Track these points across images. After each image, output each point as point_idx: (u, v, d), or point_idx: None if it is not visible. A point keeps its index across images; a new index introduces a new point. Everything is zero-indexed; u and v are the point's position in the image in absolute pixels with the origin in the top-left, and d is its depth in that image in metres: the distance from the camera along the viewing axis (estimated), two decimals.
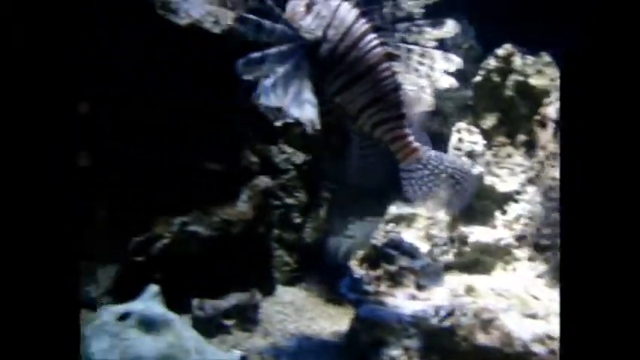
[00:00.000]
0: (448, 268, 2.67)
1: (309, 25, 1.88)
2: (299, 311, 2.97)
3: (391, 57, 1.85)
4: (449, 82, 1.89)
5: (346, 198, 3.79)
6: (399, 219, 3.08)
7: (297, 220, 3.30)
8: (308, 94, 1.83)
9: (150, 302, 2.00)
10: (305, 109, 1.81)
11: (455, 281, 2.52)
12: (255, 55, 1.82)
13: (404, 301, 2.40)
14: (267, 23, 1.85)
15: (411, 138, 1.93)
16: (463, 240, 2.64)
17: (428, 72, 1.88)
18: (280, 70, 1.81)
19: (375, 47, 1.85)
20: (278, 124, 1.95)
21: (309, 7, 1.90)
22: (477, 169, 2.78)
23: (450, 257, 2.66)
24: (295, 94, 1.82)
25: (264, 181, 2.88)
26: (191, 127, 2.66)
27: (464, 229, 2.70)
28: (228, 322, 2.55)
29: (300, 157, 3.27)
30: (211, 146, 2.68)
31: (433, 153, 1.96)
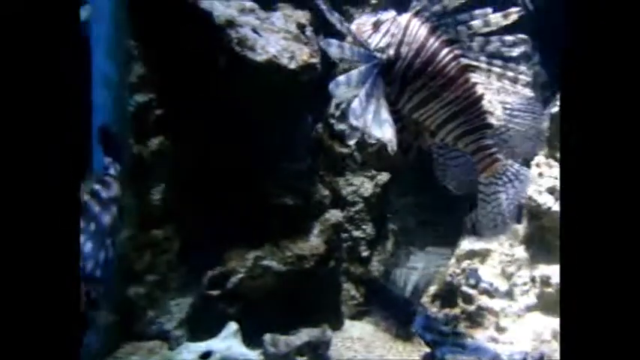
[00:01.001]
0: (530, 309, 2.53)
1: (378, 43, 1.87)
2: (368, 347, 2.89)
3: (470, 69, 1.82)
4: (525, 94, 1.85)
5: (413, 229, 3.72)
6: (471, 254, 2.97)
7: (365, 254, 3.23)
8: (385, 114, 1.82)
9: (230, 341, 1.97)
10: (385, 129, 1.79)
11: (539, 324, 2.38)
12: (342, 77, 1.84)
13: (485, 344, 2.28)
14: (347, 45, 1.85)
15: (494, 149, 1.91)
16: (545, 280, 2.51)
17: (507, 84, 1.85)
18: (362, 90, 1.81)
19: (452, 60, 1.82)
20: (351, 142, 1.98)
21: (376, 26, 1.88)
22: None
23: (531, 298, 2.52)
24: (374, 114, 1.80)
25: (334, 215, 2.84)
26: (263, 161, 2.66)
27: (545, 268, 2.57)
28: None
29: (368, 190, 3.22)
30: (283, 179, 2.67)
31: (514, 165, 1.93)
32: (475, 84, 1.84)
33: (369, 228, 3.25)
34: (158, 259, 2.73)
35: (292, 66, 2.50)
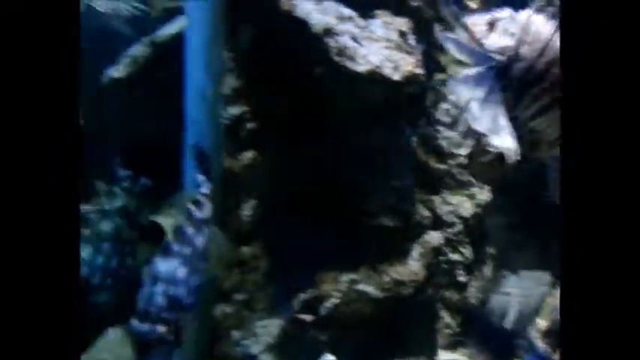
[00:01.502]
0: None
1: (496, 43, 1.70)
2: None
3: None
4: None
5: (506, 250, 3.44)
6: None
7: (462, 279, 2.98)
8: (504, 121, 1.66)
9: None
10: (504, 137, 1.65)
11: None
12: (461, 77, 1.71)
13: None
14: (464, 43, 1.70)
15: None
16: None
17: None
18: (480, 94, 1.67)
19: None
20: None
21: (492, 25, 1.72)
22: None
23: None
24: (493, 120, 1.65)
25: (435, 237, 2.62)
26: (361, 178, 2.48)
27: None
28: None
29: (467, 209, 2.97)
30: (382, 198, 2.48)
31: None
32: None
33: (467, 251, 2.99)
34: (246, 277, 2.61)
35: (396, 77, 2.31)
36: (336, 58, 2.32)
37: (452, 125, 2.72)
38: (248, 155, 2.53)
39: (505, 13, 1.75)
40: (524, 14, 1.70)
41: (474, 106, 1.66)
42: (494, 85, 1.68)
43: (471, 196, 3.01)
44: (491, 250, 3.22)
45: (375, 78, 2.30)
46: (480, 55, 1.70)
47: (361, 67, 2.30)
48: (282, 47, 2.47)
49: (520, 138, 1.74)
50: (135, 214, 2.14)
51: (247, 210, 2.54)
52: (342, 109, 2.44)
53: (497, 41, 1.70)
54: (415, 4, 2.68)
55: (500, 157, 1.70)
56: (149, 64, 2.63)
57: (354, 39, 2.36)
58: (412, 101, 2.48)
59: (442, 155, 3.02)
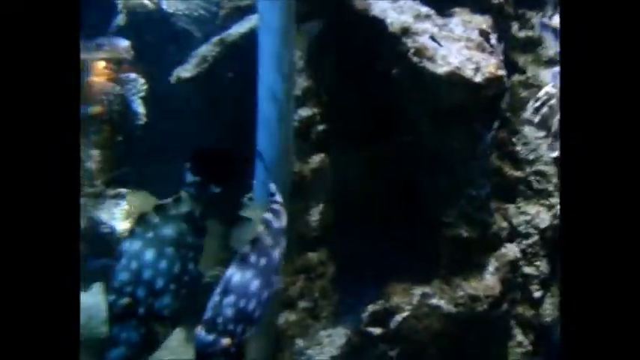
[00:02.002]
0: None
1: None
2: None
3: None
4: None
5: None
6: None
7: (537, 294, 2.79)
8: None
9: None
10: None
11: None
12: (549, 72, 1.67)
13: None
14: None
15: None
16: None
17: None
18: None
19: None
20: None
21: None
22: None
23: None
24: None
25: (512, 250, 2.45)
26: (437, 185, 2.35)
27: None
28: None
29: (545, 220, 2.77)
30: (459, 207, 2.33)
31: None
32: None
33: (543, 265, 2.80)
34: (312, 284, 2.52)
35: (478, 79, 2.16)
36: (415, 59, 2.18)
37: (539, 126, 2.53)
38: (317, 158, 2.43)
39: None
40: None
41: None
42: None
43: (550, 207, 2.81)
44: None
45: (454, 80, 2.16)
46: None
47: (441, 69, 2.16)
48: (356, 47, 2.37)
49: None
50: (200, 220, 2.08)
51: (315, 215, 2.45)
52: (417, 111, 2.31)
53: None
54: (496, 1, 2.52)
55: None
56: (219, 63, 2.58)
57: (433, 38, 2.23)
58: (492, 104, 2.32)
59: (518, 161, 2.83)
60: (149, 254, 1.83)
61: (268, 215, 1.63)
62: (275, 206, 1.69)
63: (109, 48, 2.98)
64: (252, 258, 1.51)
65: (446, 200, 2.35)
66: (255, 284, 1.51)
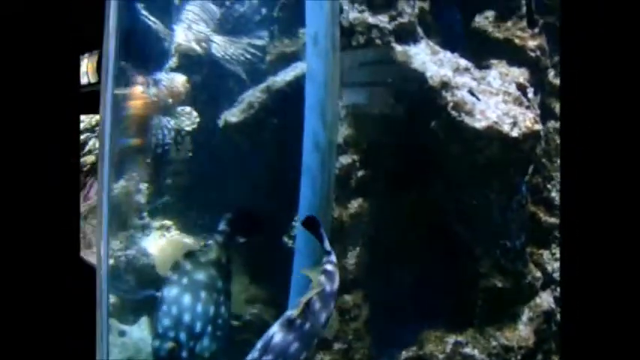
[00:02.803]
0: None
1: None
2: None
3: None
4: None
5: None
6: None
7: None
8: None
9: None
10: None
11: None
12: None
13: None
14: None
15: None
16: None
17: None
18: None
19: None
20: None
21: None
22: None
23: None
24: None
25: (546, 300, 2.44)
26: (474, 236, 2.37)
27: None
28: None
29: None
30: (495, 258, 2.35)
31: None
32: None
33: None
34: (346, 326, 2.55)
35: (514, 134, 2.19)
36: (453, 113, 2.23)
37: None
38: (356, 204, 2.49)
39: None
40: None
41: None
42: None
43: None
44: None
45: (492, 134, 2.19)
46: None
47: (479, 123, 2.20)
48: (397, 97, 2.43)
49: None
50: (227, 265, 2.19)
51: (352, 258, 2.50)
52: (455, 162, 2.35)
53: None
54: (533, 54, 2.55)
55: None
56: (265, 110, 2.67)
57: (472, 92, 2.27)
58: (528, 157, 2.34)
59: (553, 207, 2.83)
60: (187, 299, 1.92)
61: (322, 278, 1.62)
62: (329, 267, 1.68)
63: (167, 82, 3.11)
64: (298, 322, 1.51)
65: (481, 250, 2.37)
66: (295, 346, 1.51)
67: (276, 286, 2.36)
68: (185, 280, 1.97)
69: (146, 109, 3.06)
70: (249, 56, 3.18)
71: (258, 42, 3.23)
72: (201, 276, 2.01)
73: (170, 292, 1.88)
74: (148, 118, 3.07)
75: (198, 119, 3.03)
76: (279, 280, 2.29)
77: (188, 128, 3.04)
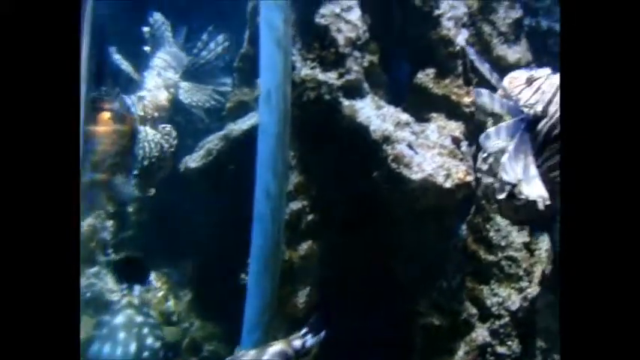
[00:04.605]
0: None
1: (529, 99, 1.78)
2: None
3: None
4: None
5: None
6: None
7: None
8: (534, 170, 1.73)
9: None
10: (534, 185, 1.70)
11: None
12: (492, 129, 1.78)
13: None
14: (497, 97, 1.80)
15: None
16: None
17: None
18: (512, 144, 1.73)
19: None
20: (501, 196, 1.86)
21: (529, 81, 1.81)
22: None
23: None
24: (524, 169, 1.72)
25: (481, 334, 2.58)
26: (413, 278, 2.51)
27: None
28: None
29: (515, 303, 2.91)
30: (432, 298, 2.49)
31: None
32: None
33: (514, 345, 2.91)
34: None
35: (448, 185, 2.35)
36: (393, 165, 2.38)
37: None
38: (306, 246, 2.61)
39: (544, 71, 1.84)
40: (559, 76, 1.77)
41: (505, 157, 1.73)
42: (524, 136, 1.75)
43: (520, 290, 2.95)
44: (542, 343, 3.12)
45: (427, 185, 2.35)
46: (513, 108, 1.77)
47: (415, 175, 2.35)
48: (343, 148, 2.57)
49: (545, 184, 1.79)
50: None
51: (302, 297, 2.61)
52: (396, 208, 2.49)
53: (530, 97, 1.79)
54: (468, 110, 2.72)
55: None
56: (223, 157, 2.79)
57: (410, 146, 2.43)
58: (461, 205, 2.50)
59: (492, 246, 3.00)
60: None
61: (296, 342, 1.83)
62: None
63: (150, 97, 3.12)
64: None
65: (419, 290, 2.50)
66: None
67: (231, 323, 2.46)
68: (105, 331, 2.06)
69: (130, 128, 3.05)
70: (213, 102, 3.30)
71: (222, 89, 3.36)
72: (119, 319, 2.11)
73: (94, 347, 2.00)
74: (131, 137, 3.06)
75: (176, 141, 3.02)
76: (234, 318, 2.39)
77: (168, 145, 3.02)
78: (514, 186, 1.77)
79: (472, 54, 1.76)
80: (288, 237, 2.54)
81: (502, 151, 1.77)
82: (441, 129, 2.61)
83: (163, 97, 3.15)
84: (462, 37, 2.62)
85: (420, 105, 2.74)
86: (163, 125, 3.05)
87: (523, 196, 1.76)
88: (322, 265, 2.63)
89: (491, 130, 1.78)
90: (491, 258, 2.93)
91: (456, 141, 2.53)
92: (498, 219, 3.00)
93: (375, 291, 2.56)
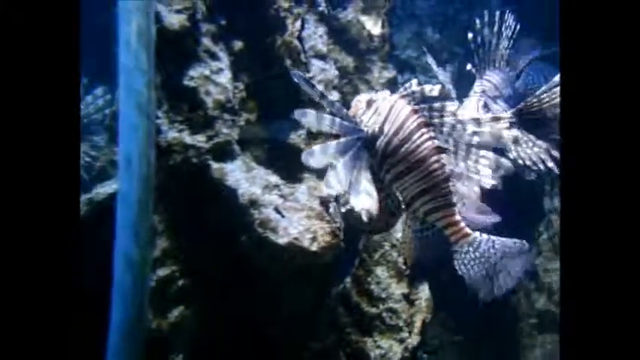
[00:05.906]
0: None
1: (369, 119, 1.93)
2: None
3: (441, 150, 1.88)
4: (491, 184, 1.87)
5: None
6: None
7: None
8: (365, 184, 1.84)
9: None
10: (361, 198, 1.81)
11: None
12: (318, 147, 1.83)
13: None
14: (326, 116, 1.85)
15: (463, 224, 1.92)
16: None
17: (476, 169, 1.88)
18: (341, 160, 1.82)
19: (425, 141, 1.87)
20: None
21: (369, 104, 1.95)
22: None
23: None
24: (354, 183, 1.82)
25: None
26: (287, 338, 2.47)
27: None
28: None
29: (397, 354, 2.95)
30: (308, 357, 2.45)
31: (485, 237, 1.93)
32: (444, 165, 1.89)
33: None
34: None
35: (314, 248, 2.36)
36: (259, 230, 2.36)
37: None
38: (177, 312, 2.50)
39: (383, 94, 1.98)
40: (394, 97, 1.93)
41: (329, 173, 1.81)
42: (360, 153, 1.88)
43: (401, 341, 3.00)
44: None
45: (293, 249, 2.34)
46: (346, 126, 1.88)
47: (281, 239, 2.34)
48: (212, 212, 2.52)
49: (389, 196, 1.95)
50: None
51: None
52: (266, 271, 2.45)
53: (370, 117, 1.94)
54: None
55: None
56: (88, 221, 2.63)
57: (277, 210, 2.42)
58: (330, 267, 2.51)
59: (373, 299, 3.04)
60: None
61: None
62: None
63: None
64: None
65: (297, 352, 2.47)
66: None
67: None
68: None
69: None
70: (88, 159, 3.14)
71: (99, 145, 3.21)
72: None
73: None
74: None
75: None
76: None
77: None
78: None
79: (299, 78, 1.81)
80: (155, 305, 2.42)
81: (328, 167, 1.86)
82: (312, 190, 2.63)
83: None
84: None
85: (294, 165, 2.75)
86: None
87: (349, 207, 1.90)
88: (195, 330, 2.52)
89: (316, 147, 1.84)
90: (373, 310, 2.98)
91: (324, 203, 2.56)
92: (379, 271, 3.07)
93: (250, 356, 2.48)
